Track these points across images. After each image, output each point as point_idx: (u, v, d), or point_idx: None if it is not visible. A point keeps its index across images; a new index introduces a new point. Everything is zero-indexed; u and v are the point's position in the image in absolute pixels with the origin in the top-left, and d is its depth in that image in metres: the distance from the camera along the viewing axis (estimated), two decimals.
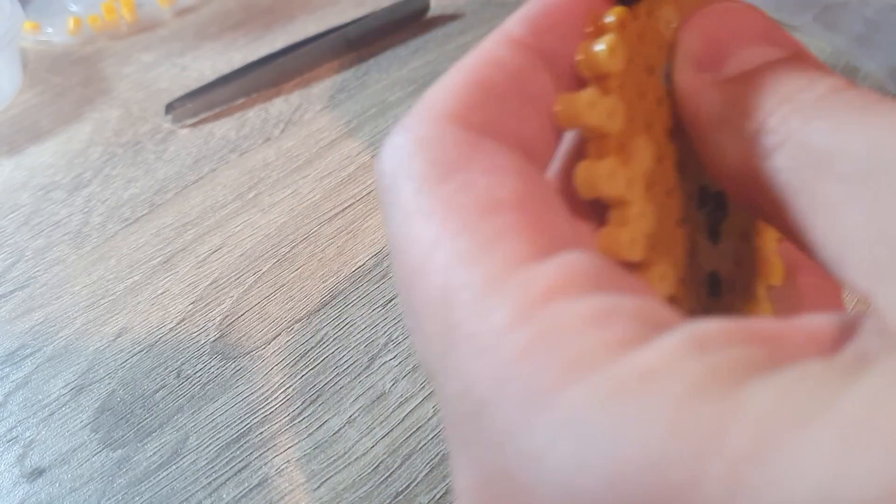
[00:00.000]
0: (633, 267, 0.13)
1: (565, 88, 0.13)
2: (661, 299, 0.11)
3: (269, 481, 0.23)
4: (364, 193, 0.32)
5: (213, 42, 0.43)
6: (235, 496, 0.23)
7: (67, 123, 0.38)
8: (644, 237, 0.13)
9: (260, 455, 0.24)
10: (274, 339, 0.27)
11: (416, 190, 0.11)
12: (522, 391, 0.09)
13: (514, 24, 0.13)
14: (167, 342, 0.28)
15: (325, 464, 0.24)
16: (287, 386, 0.26)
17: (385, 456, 0.24)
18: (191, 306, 0.29)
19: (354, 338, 0.27)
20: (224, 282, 0.30)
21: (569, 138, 0.14)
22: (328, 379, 0.26)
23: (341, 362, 0.26)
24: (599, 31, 0.14)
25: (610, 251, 0.13)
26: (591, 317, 0.09)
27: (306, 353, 0.27)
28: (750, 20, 0.14)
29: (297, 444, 0.24)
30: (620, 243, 0.13)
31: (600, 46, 0.13)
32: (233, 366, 0.27)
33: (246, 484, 0.24)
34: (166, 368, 0.27)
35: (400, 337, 0.27)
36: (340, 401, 0.25)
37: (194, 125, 0.37)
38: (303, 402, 0.25)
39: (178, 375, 0.27)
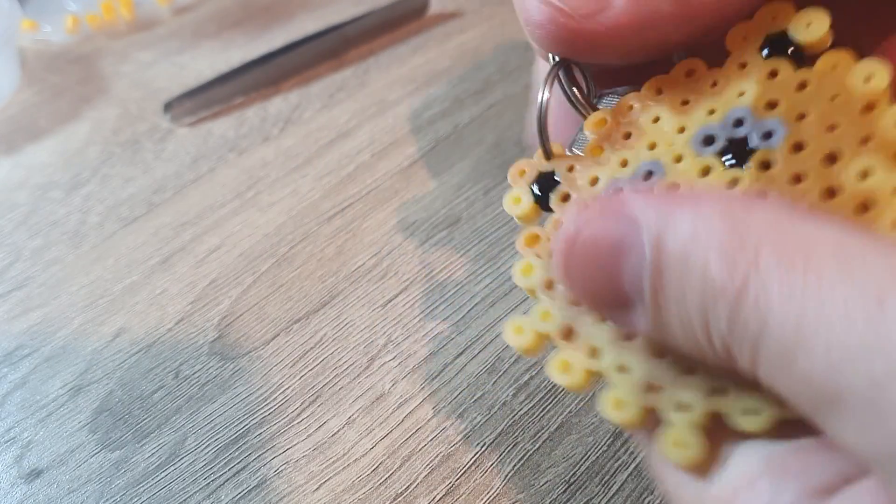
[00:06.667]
0: None
1: None
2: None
3: (268, 483, 0.23)
4: (364, 193, 0.32)
5: (211, 41, 0.42)
6: (234, 497, 0.23)
7: (65, 122, 0.38)
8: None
9: (258, 456, 0.24)
10: (273, 339, 0.27)
11: None
12: None
13: None
14: (165, 342, 0.28)
15: (324, 465, 0.24)
16: (286, 387, 0.26)
17: (384, 457, 0.24)
18: (189, 306, 0.29)
19: (353, 338, 0.27)
20: (222, 282, 0.30)
21: None
22: (327, 380, 0.26)
23: (340, 363, 0.26)
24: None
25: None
26: None
27: (305, 354, 0.27)
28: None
29: (295, 445, 0.24)
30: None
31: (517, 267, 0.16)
32: (231, 366, 0.27)
33: (244, 485, 0.23)
34: (164, 369, 0.27)
35: (399, 337, 0.27)
36: (339, 402, 0.25)
37: (193, 124, 0.37)
38: (302, 403, 0.25)
39: (177, 376, 0.27)
